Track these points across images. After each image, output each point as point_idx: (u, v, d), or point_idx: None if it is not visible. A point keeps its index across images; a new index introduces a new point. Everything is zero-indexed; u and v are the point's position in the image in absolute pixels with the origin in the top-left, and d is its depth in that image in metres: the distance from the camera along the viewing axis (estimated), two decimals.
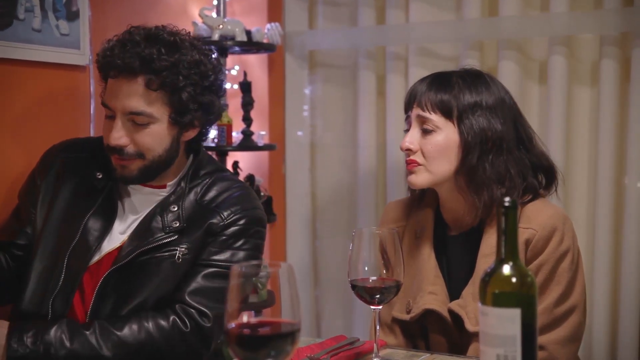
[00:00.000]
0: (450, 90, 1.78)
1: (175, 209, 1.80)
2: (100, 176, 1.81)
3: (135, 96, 1.70)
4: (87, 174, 1.82)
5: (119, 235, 1.81)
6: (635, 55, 2.42)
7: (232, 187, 1.86)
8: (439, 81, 1.81)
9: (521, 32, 2.58)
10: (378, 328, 1.55)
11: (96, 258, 1.78)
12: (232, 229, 1.79)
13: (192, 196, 1.83)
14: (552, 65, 2.54)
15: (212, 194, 1.84)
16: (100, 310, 1.74)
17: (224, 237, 1.79)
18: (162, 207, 1.80)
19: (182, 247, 1.76)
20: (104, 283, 1.74)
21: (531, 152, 1.82)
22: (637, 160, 2.42)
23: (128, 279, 1.75)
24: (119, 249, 1.78)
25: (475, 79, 1.81)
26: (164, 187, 1.84)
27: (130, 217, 1.82)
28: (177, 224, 1.77)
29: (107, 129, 1.74)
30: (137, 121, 1.71)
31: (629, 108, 2.45)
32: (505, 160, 1.77)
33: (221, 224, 1.79)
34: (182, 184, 1.84)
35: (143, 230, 1.78)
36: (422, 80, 1.85)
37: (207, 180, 1.85)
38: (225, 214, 1.80)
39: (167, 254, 1.75)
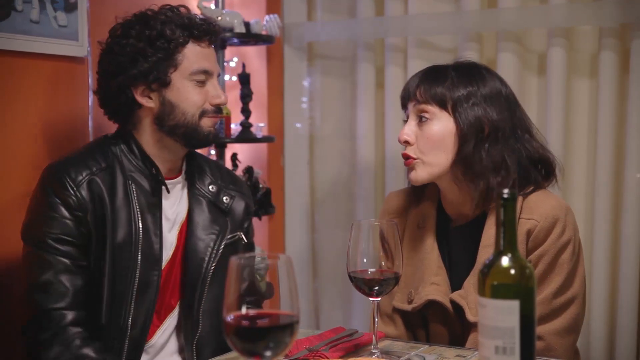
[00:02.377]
0: (444, 81, 1.79)
1: (214, 188, 1.95)
2: (129, 182, 1.81)
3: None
4: (116, 181, 1.81)
5: (168, 234, 1.86)
6: (634, 46, 2.42)
7: (215, 161, 2.08)
8: (433, 73, 1.82)
9: (520, 23, 2.58)
10: (377, 320, 1.55)
11: (163, 265, 1.84)
12: (252, 208, 2.07)
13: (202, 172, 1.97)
14: (551, 57, 2.54)
15: (216, 170, 2.00)
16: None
17: (252, 215, 2.05)
18: (198, 190, 1.92)
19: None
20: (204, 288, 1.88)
21: (528, 142, 1.82)
22: (636, 151, 2.42)
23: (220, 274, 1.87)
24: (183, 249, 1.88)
25: (469, 70, 1.82)
26: (181, 173, 1.92)
27: (172, 214, 1.88)
28: (228, 199, 1.96)
29: (210, 89, 1.85)
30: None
31: (628, 100, 2.45)
32: (502, 149, 1.76)
33: (251, 203, 2.03)
34: (186, 163, 1.94)
35: (204, 217, 1.90)
36: (417, 74, 1.85)
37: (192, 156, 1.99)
38: (248, 194, 2.04)
39: (235, 236, 1.95)
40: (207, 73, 1.84)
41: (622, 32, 2.47)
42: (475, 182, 1.76)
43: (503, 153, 1.76)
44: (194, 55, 1.82)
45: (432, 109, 1.78)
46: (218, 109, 1.88)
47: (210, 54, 1.87)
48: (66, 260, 1.73)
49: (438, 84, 1.79)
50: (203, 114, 1.84)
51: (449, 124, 1.78)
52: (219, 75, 1.90)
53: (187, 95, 1.82)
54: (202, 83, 1.83)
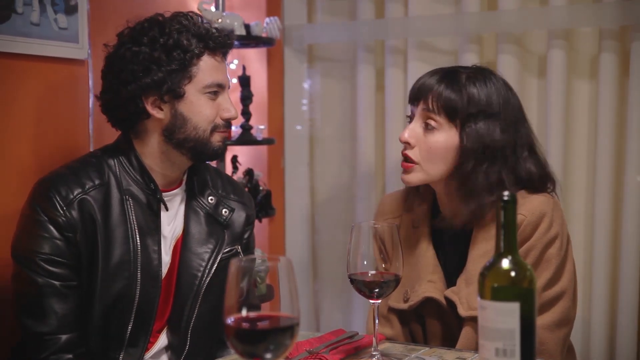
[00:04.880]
0: (459, 92, 1.77)
1: (213, 200, 1.89)
2: (126, 197, 1.77)
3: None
4: (111, 198, 1.75)
5: (165, 254, 1.82)
6: (634, 48, 2.42)
7: (217, 169, 2.02)
8: (449, 80, 1.79)
9: (520, 25, 2.58)
10: (377, 322, 1.55)
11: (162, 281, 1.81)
12: (254, 217, 2.03)
13: (203, 184, 1.92)
14: (551, 59, 2.54)
15: (217, 179, 1.95)
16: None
17: (253, 225, 2.01)
18: (197, 202, 1.87)
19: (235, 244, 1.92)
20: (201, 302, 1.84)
21: (528, 161, 1.81)
22: (636, 153, 2.42)
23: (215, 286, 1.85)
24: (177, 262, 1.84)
25: (484, 81, 1.80)
26: (182, 182, 1.87)
27: (168, 230, 1.84)
28: (227, 212, 1.90)
29: (222, 103, 1.80)
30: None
31: (628, 101, 2.45)
32: (499, 169, 1.77)
33: (252, 213, 1.99)
34: (187, 173, 1.89)
35: (201, 230, 1.85)
36: (432, 74, 1.83)
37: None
38: (250, 204, 1.99)
39: (233, 250, 1.90)
40: (220, 86, 1.79)
41: (622, 33, 2.47)
42: (467, 200, 1.77)
43: (501, 173, 1.77)
44: (208, 67, 1.77)
45: (441, 119, 1.78)
46: (228, 124, 1.83)
47: (223, 67, 1.82)
48: (55, 282, 1.68)
49: (451, 95, 1.77)
50: (215, 129, 1.79)
51: (454, 137, 1.78)
52: (229, 87, 1.86)
53: (200, 108, 1.76)
54: (214, 96, 1.78)
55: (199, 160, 1.85)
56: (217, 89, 1.78)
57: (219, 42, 1.78)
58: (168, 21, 1.77)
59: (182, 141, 1.77)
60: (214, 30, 1.78)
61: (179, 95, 1.74)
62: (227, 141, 1.87)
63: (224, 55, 1.83)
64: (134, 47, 1.74)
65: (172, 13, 1.80)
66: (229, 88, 1.84)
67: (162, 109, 1.76)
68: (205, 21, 1.82)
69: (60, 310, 1.69)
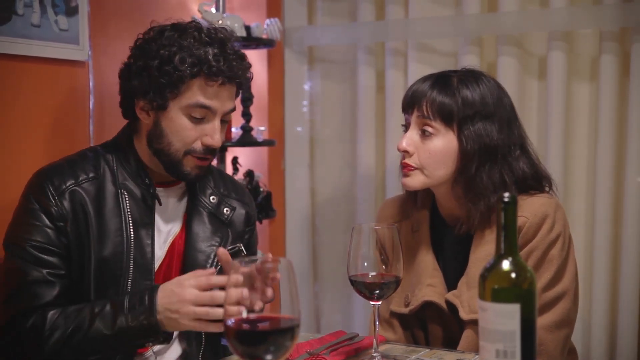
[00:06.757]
0: (452, 96, 1.77)
1: (215, 199, 1.90)
2: (122, 191, 1.77)
3: (232, 98, 1.81)
4: (105, 191, 1.76)
5: (158, 248, 1.82)
6: (634, 50, 2.42)
7: (218, 169, 2.03)
8: (441, 85, 1.80)
9: (521, 27, 2.58)
10: (377, 323, 1.55)
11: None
12: (255, 217, 2.01)
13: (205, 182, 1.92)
14: (551, 61, 2.54)
15: (218, 178, 1.96)
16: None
17: (254, 225, 2.01)
18: (199, 201, 1.87)
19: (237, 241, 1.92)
20: None
21: (523, 159, 1.81)
22: (637, 155, 2.42)
23: None
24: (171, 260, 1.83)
25: (476, 82, 1.80)
26: (180, 182, 1.87)
27: (164, 225, 1.83)
28: (228, 211, 1.91)
29: (207, 128, 1.75)
30: (227, 119, 1.81)
31: (628, 103, 2.45)
32: (500, 169, 1.77)
33: (253, 213, 1.99)
34: None
35: (205, 228, 1.86)
36: (424, 81, 1.83)
37: None
38: (250, 203, 2.00)
39: (236, 247, 1.89)
40: (207, 109, 1.73)
41: (622, 35, 2.47)
42: (476, 202, 1.78)
43: (502, 172, 1.77)
44: (199, 89, 1.72)
45: (438, 125, 1.78)
46: (208, 150, 1.76)
47: (221, 93, 1.75)
48: (43, 270, 1.69)
49: (446, 100, 1.77)
50: (189, 152, 1.75)
51: (452, 141, 1.78)
52: (231, 111, 1.79)
53: (177, 127, 1.74)
54: (198, 120, 1.74)
55: (173, 177, 1.81)
56: (202, 112, 1.74)
57: (214, 72, 1.72)
58: (181, 33, 1.75)
59: (158, 152, 1.77)
60: (211, 56, 1.72)
61: (163, 107, 1.74)
62: (204, 169, 1.80)
63: (227, 83, 1.75)
64: (146, 47, 1.76)
65: (194, 25, 1.78)
66: (227, 114, 1.78)
67: (149, 115, 1.77)
68: (209, 43, 1.74)
69: (44, 297, 1.69)
